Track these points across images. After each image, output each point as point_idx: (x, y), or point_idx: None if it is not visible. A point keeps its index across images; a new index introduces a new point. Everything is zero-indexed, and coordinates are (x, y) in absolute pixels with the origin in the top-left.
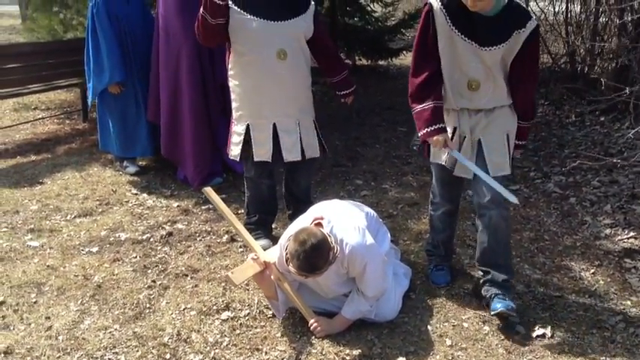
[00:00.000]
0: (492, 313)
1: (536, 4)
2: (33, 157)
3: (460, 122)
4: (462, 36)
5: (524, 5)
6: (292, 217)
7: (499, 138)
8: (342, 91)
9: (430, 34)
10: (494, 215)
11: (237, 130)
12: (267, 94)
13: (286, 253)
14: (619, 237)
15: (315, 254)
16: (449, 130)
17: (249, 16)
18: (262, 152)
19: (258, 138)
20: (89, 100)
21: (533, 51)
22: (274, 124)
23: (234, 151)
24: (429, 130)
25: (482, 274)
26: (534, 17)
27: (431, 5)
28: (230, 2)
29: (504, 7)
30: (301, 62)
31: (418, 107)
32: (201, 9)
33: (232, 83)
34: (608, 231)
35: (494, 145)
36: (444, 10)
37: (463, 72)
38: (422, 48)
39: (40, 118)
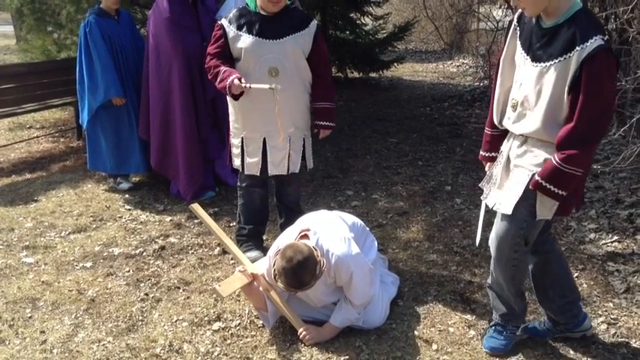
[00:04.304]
0: (483, 348)
1: None
2: (28, 176)
3: (508, 147)
4: (521, 47)
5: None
6: (284, 226)
7: (521, 176)
8: (320, 121)
9: (504, 45)
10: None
11: (234, 143)
12: (258, 109)
13: (274, 270)
14: (603, 241)
15: (301, 271)
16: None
17: (242, 35)
18: (252, 165)
19: (249, 151)
20: (82, 120)
21: (588, 78)
22: (264, 139)
23: (236, 162)
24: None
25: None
26: (601, 36)
27: (513, 17)
28: (226, 22)
29: (569, 19)
30: (296, 79)
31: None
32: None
33: (229, 97)
34: (592, 235)
35: (513, 179)
36: (515, 20)
37: (510, 87)
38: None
39: (34, 137)
